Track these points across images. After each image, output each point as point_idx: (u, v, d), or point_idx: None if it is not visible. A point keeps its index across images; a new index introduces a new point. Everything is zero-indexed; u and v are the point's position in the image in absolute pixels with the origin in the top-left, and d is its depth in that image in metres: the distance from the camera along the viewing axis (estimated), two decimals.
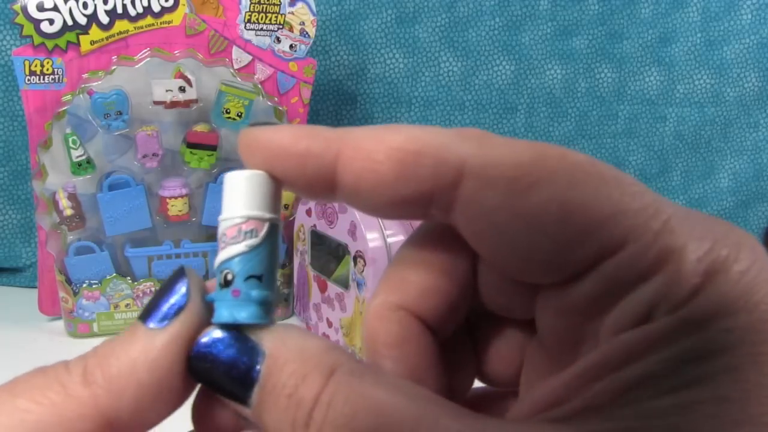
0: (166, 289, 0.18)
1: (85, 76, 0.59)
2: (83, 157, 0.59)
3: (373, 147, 0.16)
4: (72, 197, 0.60)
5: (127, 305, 0.63)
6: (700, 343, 0.14)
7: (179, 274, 0.18)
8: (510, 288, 0.17)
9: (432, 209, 0.16)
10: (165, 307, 0.17)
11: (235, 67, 0.62)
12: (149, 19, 0.59)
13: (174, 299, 0.17)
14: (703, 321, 0.14)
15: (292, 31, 0.63)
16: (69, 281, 0.62)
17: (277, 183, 0.17)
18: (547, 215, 0.15)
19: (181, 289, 0.18)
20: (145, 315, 0.17)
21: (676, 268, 0.14)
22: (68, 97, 0.59)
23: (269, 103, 0.63)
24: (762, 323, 0.14)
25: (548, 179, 0.15)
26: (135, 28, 0.59)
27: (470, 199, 0.15)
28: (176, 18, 0.60)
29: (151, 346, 0.16)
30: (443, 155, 0.16)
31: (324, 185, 0.16)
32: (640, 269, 0.15)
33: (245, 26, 0.62)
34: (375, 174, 0.16)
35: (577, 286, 0.15)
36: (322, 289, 0.62)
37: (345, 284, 0.59)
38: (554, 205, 0.15)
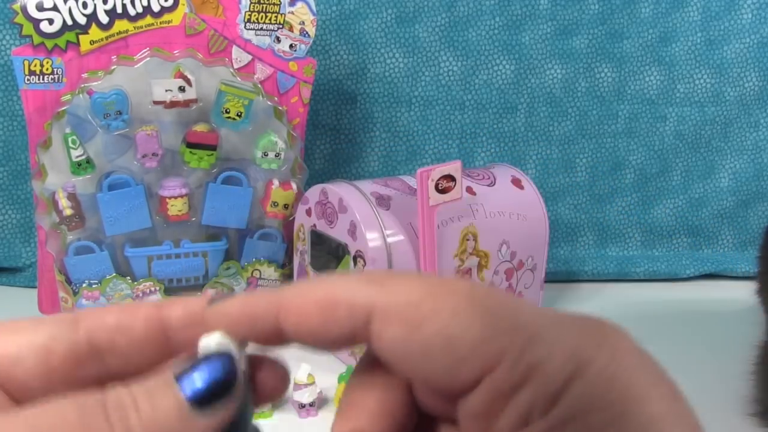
0: (212, 362, 0.19)
1: (84, 75, 0.59)
2: (83, 157, 0.59)
3: (301, 304, 0.20)
4: (71, 197, 0.60)
5: None
6: None
7: (228, 355, 0.20)
8: (437, 396, 0.21)
9: (357, 342, 0.20)
10: (209, 385, 0.19)
11: (235, 66, 0.62)
12: (149, 19, 0.59)
13: (221, 378, 0.19)
14: (568, 421, 0.18)
15: (292, 31, 0.63)
16: (69, 281, 0.62)
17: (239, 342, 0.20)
18: (434, 346, 0.18)
19: (232, 370, 0.19)
20: (182, 376, 0.19)
21: (542, 378, 0.18)
22: (68, 96, 0.58)
23: (269, 102, 0.63)
24: (618, 417, 0.17)
25: (433, 315, 0.18)
26: (135, 27, 0.59)
27: (378, 335, 0.19)
28: (176, 18, 0.60)
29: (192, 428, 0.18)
30: (354, 302, 0.19)
31: (274, 338, 0.20)
32: (513, 381, 0.18)
33: (245, 26, 0.62)
34: (306, 325, 0.19)
35: (471, 397, 0.19)
36: None
37: None
38: (438, 338, 0.18)
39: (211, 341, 0.20)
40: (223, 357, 0.19)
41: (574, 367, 0.18)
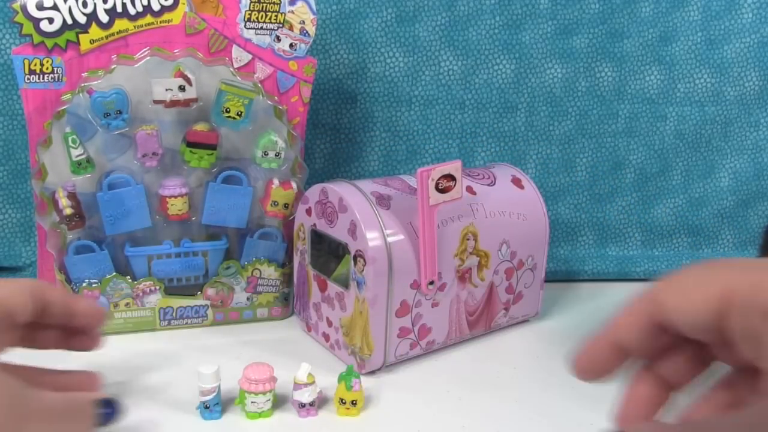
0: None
1: (84, 75, 0.59)
2: (83, 157, 0.59)
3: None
4: (72, 196, 0.60)
5: (126, 304, 0.63)
6: None
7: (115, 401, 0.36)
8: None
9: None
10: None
11: (235, 66, 0.62)
12: (149, 18, 0.59)
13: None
14: None
15: (292, 30, 0.63)
16: (69, 280, 0.62)
17: None
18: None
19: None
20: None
21: None
22: (68, 96, 0.58)
23: (269, 102, 0.63)
24: None
25: None
26: (135, 27, 0.59)
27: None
28: (176, 17, 0.60)
29: None
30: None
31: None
32: None
33: (245, 25, 0.62)
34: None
35: None
36: (322, 288, 0.62)
37: (345, 283, 0.59)
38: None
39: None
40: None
41: None
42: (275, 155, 0.63)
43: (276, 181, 0.64)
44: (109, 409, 0.35)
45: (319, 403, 0.53)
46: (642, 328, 0.27)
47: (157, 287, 0.64)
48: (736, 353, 0.25)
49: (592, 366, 0.28)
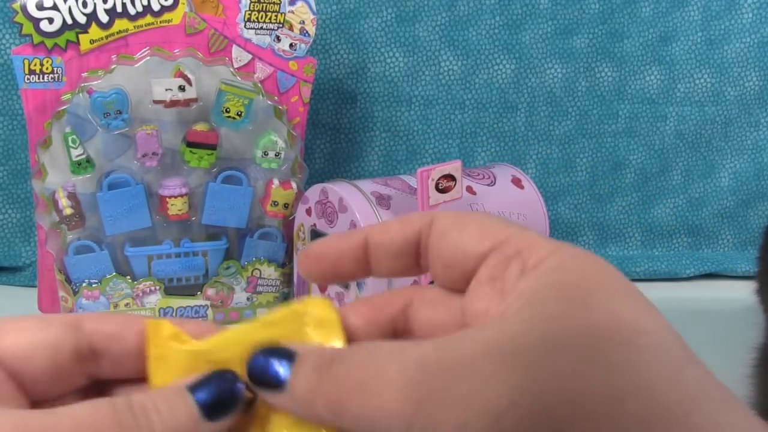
0: (222, 380, 0.23)
1: (84, 75, 0.59)
2: (83, 157, 0.59)
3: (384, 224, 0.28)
4: (71, 196, 0.60)
5: (126, 304, 0.63)
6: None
7: (233, 374, 0.23)
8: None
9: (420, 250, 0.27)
10: (215, 398, 0.22)
11: (235, 66, 0.62)
12: (149, 18, 0.59)
13: (226, 393, 0.23)
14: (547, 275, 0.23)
15: (292, 30, 0.63)
16: (69, 280, 0.62)
17: None
18: (473, 234, 0.26)
19: (240, 390, 0.23)
20: (195, 388, 0.23)
21: (528, 251, 0.24)
22: (68, 96, 0.58)
23: (269, 102, 0.63)
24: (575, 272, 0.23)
25: (473, 216, 0.26)
26: (135, 27, 0.59)
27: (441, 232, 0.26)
28: (176, 17, 0.60)
29: None
30: (424, 214, 0.28)
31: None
32: (511, 253, 0.24)
33: (245, 25, 0.62)
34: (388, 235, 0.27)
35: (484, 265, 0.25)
36: (322, 288, 0.62)
37: (345, 284, 0.59)
38: (474, 226, 0.26)
39: None
40: (228, 375, 0.23)
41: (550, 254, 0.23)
42: (275, 155, 0.63)
43: (276, 181, 0.64)
44: (219, 388, 0.23)
45: None
46: (406, 241, 0.26)
47: (157, 287, 0.64)
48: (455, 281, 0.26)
49: (333, 269, 0.27)
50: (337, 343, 0.25)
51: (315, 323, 0.25)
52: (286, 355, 0.23)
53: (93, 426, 0.20)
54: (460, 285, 0.26)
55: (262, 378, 0.23)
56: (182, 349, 0.24)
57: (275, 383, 0.22)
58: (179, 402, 0.22)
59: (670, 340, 0.21)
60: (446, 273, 0.26)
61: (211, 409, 0.22)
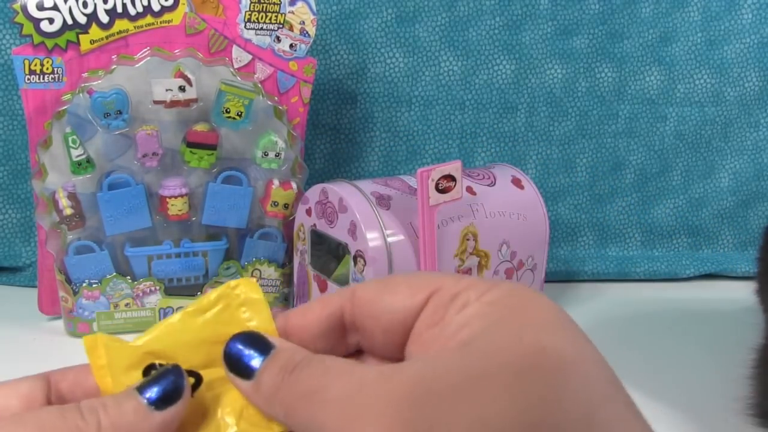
0: (167, 377, 0.24)
1: (84, 75, 0.59)
2: (83, 157, 0.59)
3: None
4: (72, 196, 0.60)
5: (126, 305, 0.63)
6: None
7: (178, 371, 0.24)
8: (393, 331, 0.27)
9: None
10: (162, 393, 0.24)
11: (235, 66, 0.62)
12: (149, 19, 0.59)
13: (171, 389, 0.24)
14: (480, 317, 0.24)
15: (292, 31, 0.63)
16: (69, 280, 0.62)
17: None
18: (401, 293, 0.26)
19: (180, 383, 0.24)
20: (142, 388, 0.24)
21: (462, 296, 0.24)
22: (68, 96, 0.58)
23: (269, 102, 0.63)
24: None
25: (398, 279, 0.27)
26: (135, 27, 0.59)
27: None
28: (176, 17, 0.60)
29: (149, 425, 0.23)
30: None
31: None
32: (448, 297, 0.25)
33: (245, 25, 0.62)
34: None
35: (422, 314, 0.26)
36: (322, 288, 0.62)
37: (345, 284, 0.59)
38: (403, 286, 0.26)
39: None
40: (172, 370, 0.24)
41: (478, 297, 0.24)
42: (275, 155, 0.63)
43: (276, 182, 0.64)
44: (164, 384, 0.24)
45: None
46: (328, 319, 0.27)
47: (157, 287, 0.64)
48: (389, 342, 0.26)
49: None
50: (268, 323, 0.26)
51: (245, 304, 0.27)
52: (263, 347, 0.25)
53: (38, 424, 0.21)
54: (400, 347, 0.26)
55: (235, 363, 0.25)
56: (124, 346, 0.26)
57: (246, 372, 0.24)
58: (125, 398, 0.23)
59: (594, 372, 0.22)
60: (386, 338, 0.26)
61: (159, 402, 0.23)
